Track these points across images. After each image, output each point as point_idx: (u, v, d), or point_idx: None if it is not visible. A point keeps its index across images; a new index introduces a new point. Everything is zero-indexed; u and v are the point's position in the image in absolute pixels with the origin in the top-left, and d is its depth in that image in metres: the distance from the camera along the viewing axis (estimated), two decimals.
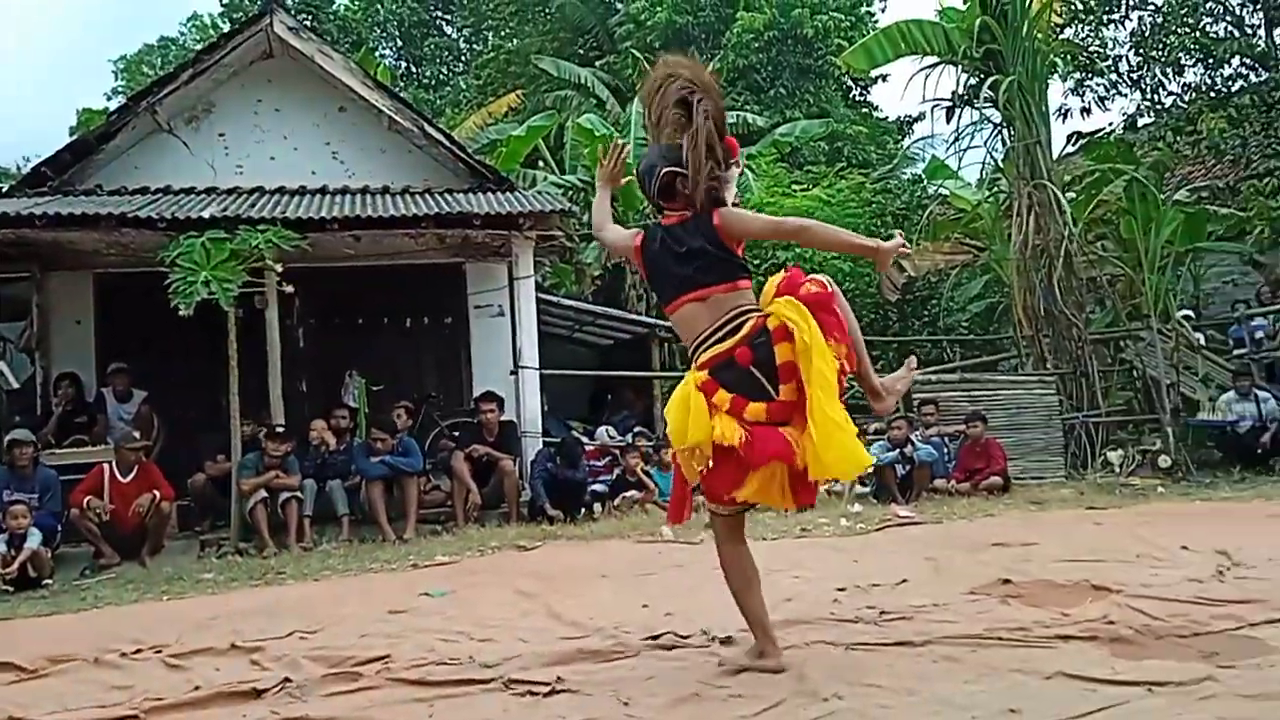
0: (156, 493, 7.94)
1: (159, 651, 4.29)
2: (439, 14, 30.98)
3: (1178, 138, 13.65)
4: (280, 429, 8.47)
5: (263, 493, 8.15)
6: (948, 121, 12.77)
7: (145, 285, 8.20)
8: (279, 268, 8.32)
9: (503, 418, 9.32)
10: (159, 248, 8.09)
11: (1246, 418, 10.20)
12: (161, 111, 10.26)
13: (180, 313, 7.66)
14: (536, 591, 5.26)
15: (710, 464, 3.34)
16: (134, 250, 8.81)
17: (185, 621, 4.93)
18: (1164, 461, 10.11)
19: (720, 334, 3.40)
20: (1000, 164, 12.58)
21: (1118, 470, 10.23)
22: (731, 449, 3.28)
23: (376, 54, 27.08)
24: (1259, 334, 12.33)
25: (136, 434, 8.42)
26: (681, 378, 3.56)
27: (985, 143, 12.40)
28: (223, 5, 28.35)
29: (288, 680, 3.70)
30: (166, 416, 9.59)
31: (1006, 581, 4.75)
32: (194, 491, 8.74)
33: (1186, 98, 13.81)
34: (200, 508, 8.81)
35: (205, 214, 8.56)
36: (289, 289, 8.49)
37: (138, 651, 4.31)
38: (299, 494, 8.26)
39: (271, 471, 8.24)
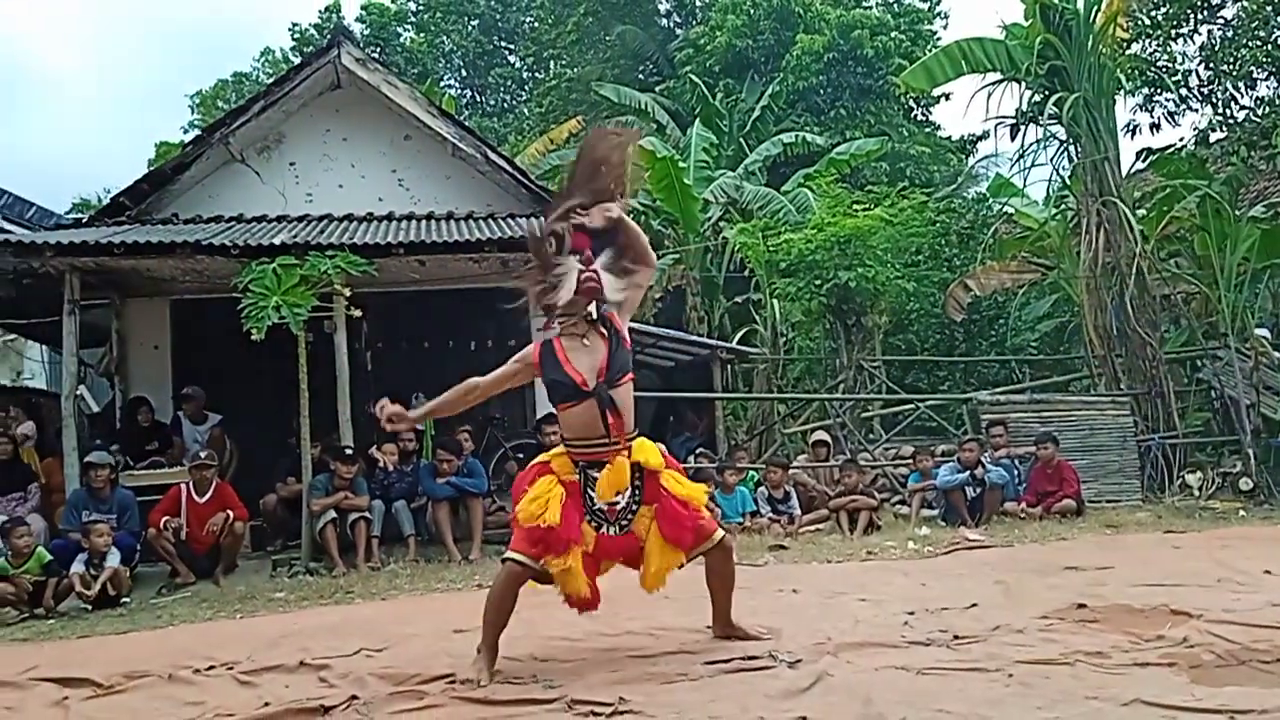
0: (230, 513, 8.10)
1: (230, 668, 4.35)
2: (503, 44, 31.50)
3: (1251, 153, 13.21)
4: (349, 451, 8.58)
5: (332, 513, 8.26)
6: (1012, 139, 12.52)
7: (219, 310, 8.37)
8: (347, 292, 8.45)
9: None
10: (232, 274, 8.26)
11: None
12: (234, 142, 10.58)
13: (253, 337, 7.80)
14: (599, 613, 5.24)
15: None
16: (208, 277, 9.12)
17: (256, 639, 5.00)
18: (1245, 484, 9.79)
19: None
20: (1067, 181, 12.32)
21: (1197, 493, 9.93)
22: None
23: (441, 84, 27.63)
24: None
25: (203, 454, 8.50)
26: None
27: (1051, 160, 12.15)
28: (294, 39, 29.17)
29: (354, 698, 3.74)
30: (239, 439, 9.83)
31: (1081, 606, 4.61)
32: (266, 512, 8.93)
33: (1260, 112, 13.36)
34: (272, 528, 8.99)
35: (276, 241, 8.75)
36: (357, 313, 8.62)
37: (210, 668, 4.39)
38: (367, 515, 8.35)
39: (341, 493, 8.34)
